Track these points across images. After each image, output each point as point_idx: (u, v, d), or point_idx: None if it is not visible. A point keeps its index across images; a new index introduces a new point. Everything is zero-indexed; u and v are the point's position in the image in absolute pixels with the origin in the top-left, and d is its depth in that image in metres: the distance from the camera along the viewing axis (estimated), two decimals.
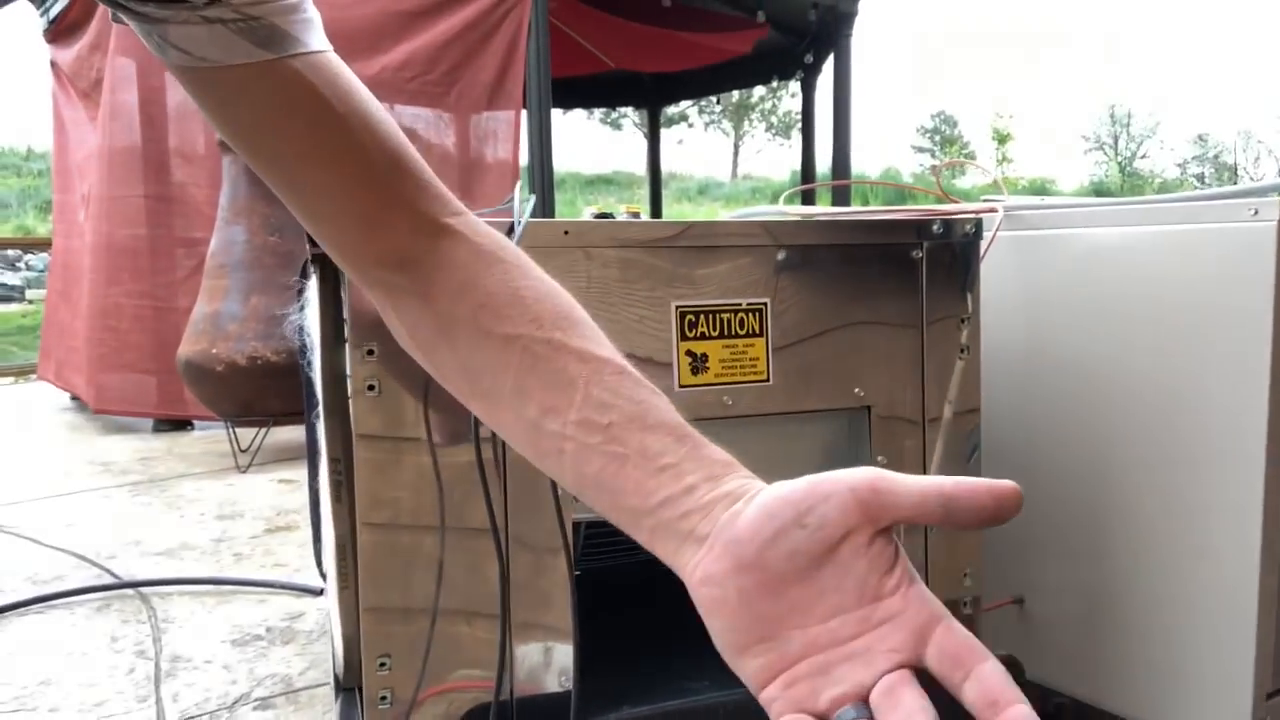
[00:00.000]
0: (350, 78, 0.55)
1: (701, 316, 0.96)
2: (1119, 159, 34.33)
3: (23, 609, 1.94)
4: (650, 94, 7.70)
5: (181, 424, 4.00)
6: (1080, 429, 1.28)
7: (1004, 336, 1.35)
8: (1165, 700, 1.22)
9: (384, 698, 0.86)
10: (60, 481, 3.13)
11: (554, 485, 0.88)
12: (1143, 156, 34.42)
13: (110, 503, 2.85)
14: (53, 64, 4.91)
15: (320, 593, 2.00)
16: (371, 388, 0.85)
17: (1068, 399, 1.30)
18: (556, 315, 0.53)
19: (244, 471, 3.23)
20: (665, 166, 8.27)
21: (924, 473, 1.03)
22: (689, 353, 0.95)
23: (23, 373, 6.07)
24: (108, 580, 2.12)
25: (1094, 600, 1.29)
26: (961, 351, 1.04)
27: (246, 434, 3.36)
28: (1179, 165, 34.55)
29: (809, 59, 6.06)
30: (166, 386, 3.88)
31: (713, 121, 29.76)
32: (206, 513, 2.71)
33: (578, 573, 0.92)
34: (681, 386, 0.95)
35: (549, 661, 0.92)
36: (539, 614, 0.91)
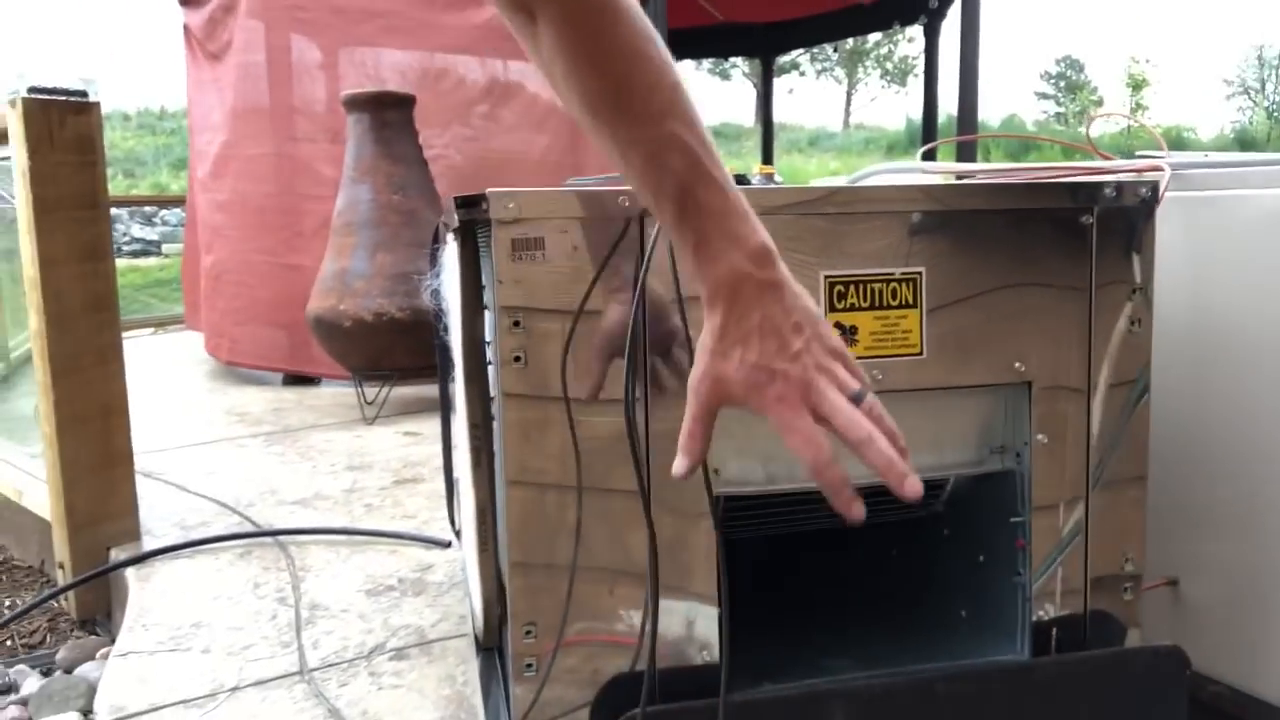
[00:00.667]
0: None
1: (852, 287, 0.92)
2: (1266, 104, 31.96)
3: (173, 553, 2.05)
4: (762, 43, 7.51)
5: (310, 379, 4.15)
6: (1246, 405, 1.19)
7: (1166, 305, 1.26)
8: None
9: (529, 665, 0.87)
10: (201, 430, 3.30)
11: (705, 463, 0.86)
12: None
13: (246, 452, 2.99)
14: (185, 27, 5.10)
15: (449, 545, 2.06)
16: (518, 359, 0.84)
17: (1232, 374, 1.21)
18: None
19: (370, 424, 3.33)
20: (775, 117, 8.09)
21: (1087, 455, 0.97)
22: (838, 324, 0.91)
23: (162, 324, 6.41)
24: (248, 528, 2.22)
25: (1253, 583, 1.21)
26: (1132, 324, 0.97)
27: (371, 389, 3.46)
28: None
29: (934, 2, 5.80)
30: (295, 341, 4.04)
31: (825, 69, 28.96)
32: (337, 463, 2.81)
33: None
34: None
35: (691, 634, 0.91)
36: (683, 583, 0.90)
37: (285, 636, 1.65)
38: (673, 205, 0.65)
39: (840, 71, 29.87)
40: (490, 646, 1.10)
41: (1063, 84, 37.16)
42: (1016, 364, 0.95)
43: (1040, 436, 0.96)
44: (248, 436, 3.19)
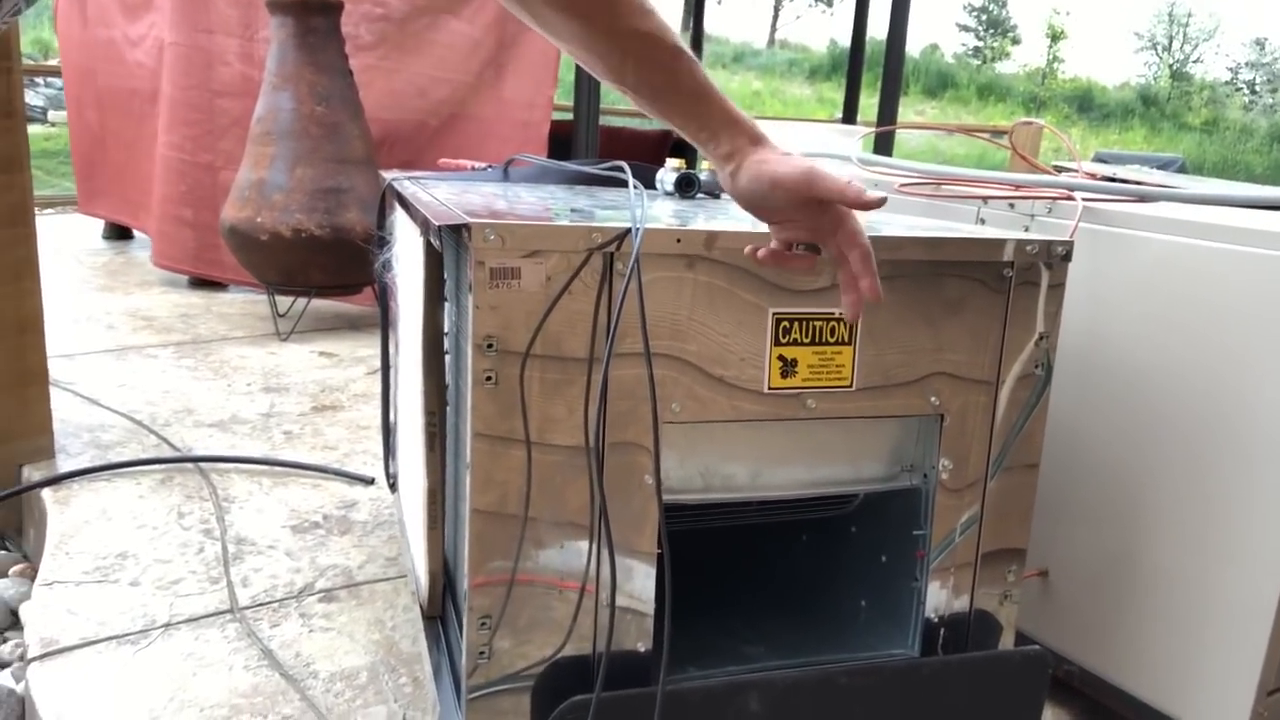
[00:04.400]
0: None
1: (795, 324, 1.00)
2: (1170, 62, 33.02)
3: (93, 475, 2.05)
4: None
5: (218, 283, 4.06)
6: (1128, 417, 1.34)
7: (1070, 316, 1.39)
8: (1171, 680, 1.32)
9: (482, 653, 0.96)
10: (105, 335, 3.22)
11: (658, 470, 0.95)
12: (1197, 60, 33.11)
13: (157, 364, 2.95)
14: None
15: (372, 482, 2.11)
16: (490, 378, 0.90)
17: (1120, 388, 1.36)
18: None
19: (285, 339, 3.31)
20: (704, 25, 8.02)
21: (985, 481, 1.10)
22: (780, 358, 1.00)
23: (51, 203, 6.08)
24: (167, 451, 2.22)
25: (1116, 577, 1.38)
26: (1037, 367, 1.09)
27: (284, 300, 3.43)
28: (1230, 70, 33.29)
29: None
30: (204, 243, 3.93)
31: None
32: (253, 383, 2.80)
33: (658, 551, 1.00)
34: (770, 389, 1.01)
35: (628, 623, 1.01)
36: (622, 581, 0.99)
37: (214, 572, 1.70)
38: (692, 80, 0.83)
39: None
40: (434, 615, 1.19)
41: (984, 18, 37.50)
42: (933, 398, 1.06)
43: (946, 462, 1.08)
44: (157, 346, 3.14)
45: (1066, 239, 1.08)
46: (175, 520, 1.89)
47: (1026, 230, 1.47)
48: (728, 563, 1.37)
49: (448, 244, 1.08)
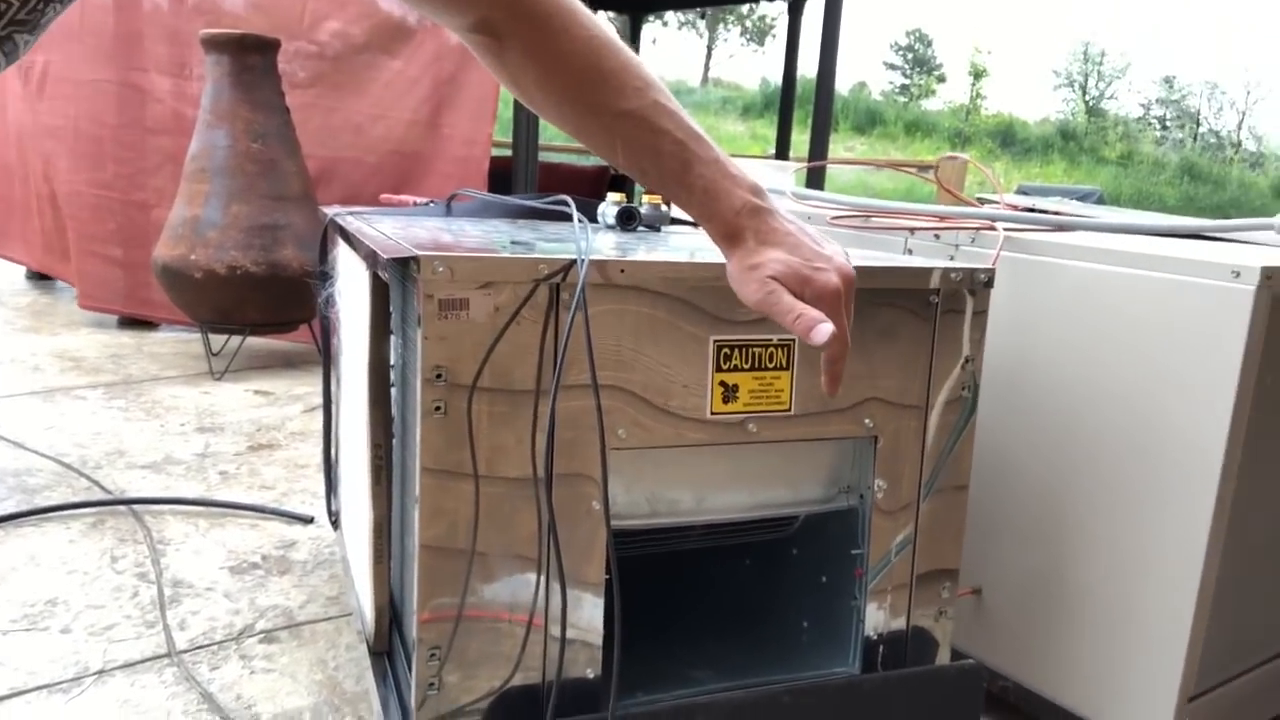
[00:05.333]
0: None
1: (736, 350, 1.03)
2: (1087, 98, 34.43)
3: (19, 520, 1.99)
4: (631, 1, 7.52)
5: (149, 322, 3.98)
6: (1051, 437, 1.40)
7: (995, 341, 1.45)
8: (1099, 691, 1.37)
9: (432, 684, 0.96)
10: (31, 377, 3.13)
11: (605, 497, 0.97)
12: (1110, 97, 34.56)
13: (86, 405, 2.88)
14: None
15: (310, 521, 2.09)
16: (439, 409, 0.92)
17: (1040, 408, 1.42)
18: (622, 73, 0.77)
19: (219, 379, 3.25)
20: None
21: (918, 501, 1.14)
22: (722, 383, 1.03)
23: None
24: (98, 494, 2.17)
25: (1045, 594, 1.44)
26: (964, 390, 1.14)
27: (217, 339, 3.37)
28: (1143, 106, 34.77)
29: None
30: (134, 282, 3.85)
31: (687, 22, 29.06)
32: (187, 423, 2.75)
33: (606, 577, 1.01)
34: (713, 414, 1.04)
35: (577, 651, 1.02)
36: (571, 607, 1.00)
37: (149, 616, 1.66)
38: (675, 162, 0.77)
39: (702, 25, 30.03)
40: (380, 651, 1.18)
41: (910, 57, 38.67)
42: (866, 420, 1.10)
43: (880, 482, 1.12)
44: (86, 387, 3.06)
45: (989, 266, 1.13)
46: (108, 564, 1.84)
47: (952, 259, 1.53)
48: (673, 588, 1.39)
49: (394, 277, 1.09)
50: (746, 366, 1.04)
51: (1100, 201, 7.18)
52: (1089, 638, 1.38)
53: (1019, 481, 1.46)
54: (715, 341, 1.03)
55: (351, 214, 1.47)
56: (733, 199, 0.78)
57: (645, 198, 1.54)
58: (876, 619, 1.15)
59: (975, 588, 1.53)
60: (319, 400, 2.88)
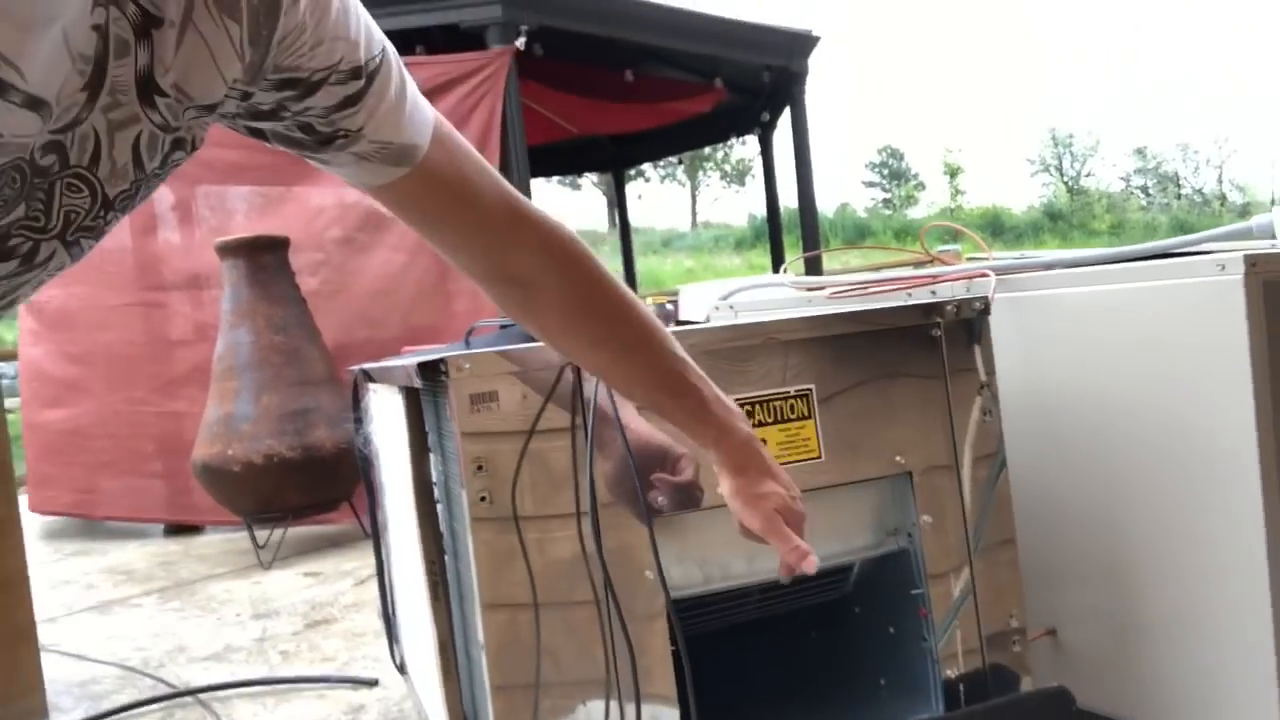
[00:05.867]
0: (460, 158, 0.75)
1: (757, 405, 1.08)
2: (1065, 180, 35.28)
3: None
4: (612, 158, 7.92)
5: (194, 528, 4.04)
6: (1089, 470, 1.41)
7: (1007, 388, 1.49)
8: (1194, 712, 1.33)
9: None
10: (87, 594, 3.17)
11: (659, 566, 0.99)
12: (1088, 175, 35.44)
13: (143, 611, 2.90)
14: None
15: (375, 684, 2.08)
16: (484, 498, 0.96)
17: (1074, 444, 1.43)
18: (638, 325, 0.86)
19: (268, 568, 3.28)
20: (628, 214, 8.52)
21: (965, 528, 1.16)
22: None
23: None
24: (163, 690, 2.17)
25: (1119, 625, 1.41)
26: (984, 414, 1.17)
27: (263, 532, 3.42)
28: (1123, 179, 35.57)
29: (765, 116, 6.30)
30: (175, 489, 3.94)
31: (668, 174, 30.29)
32: (242, 613, 2.77)
33: (672, 648, 1.02)
34: None
35: None
36: (643, 685, 1.01)
37: None
38: (691, 401, 0.88)
39: (683, 174, 31.27)
40: None
41: (886, 172, 39.95)
42: (897, 458, 1.13)
43: (925, 518, 1.14)
44: (140, 595, 3.09)
45: (982, 295, 1.19)
46: None
47: None
48: (744, 665, 1.38)
49: (426, 396, 1.15)
50: (770, 420, 1.08)
51: None
52: (1173, 661, 1.35)
53: (1070, 518, 1.46)
54: (737, 399, 1.07)
55: (376, 363, 1.55)
56: (737, 434, 0.89)
57: (650, 299, 1.62)
58: (951, 657, 1.14)
59: (1050, 629, 1.51)
60: (368, 573, 2.90)
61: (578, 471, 1.00)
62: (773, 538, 0.88)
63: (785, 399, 1.09)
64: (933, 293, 1.64)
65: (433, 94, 4.04)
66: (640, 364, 0.87)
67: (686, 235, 26.90)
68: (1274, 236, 1.66)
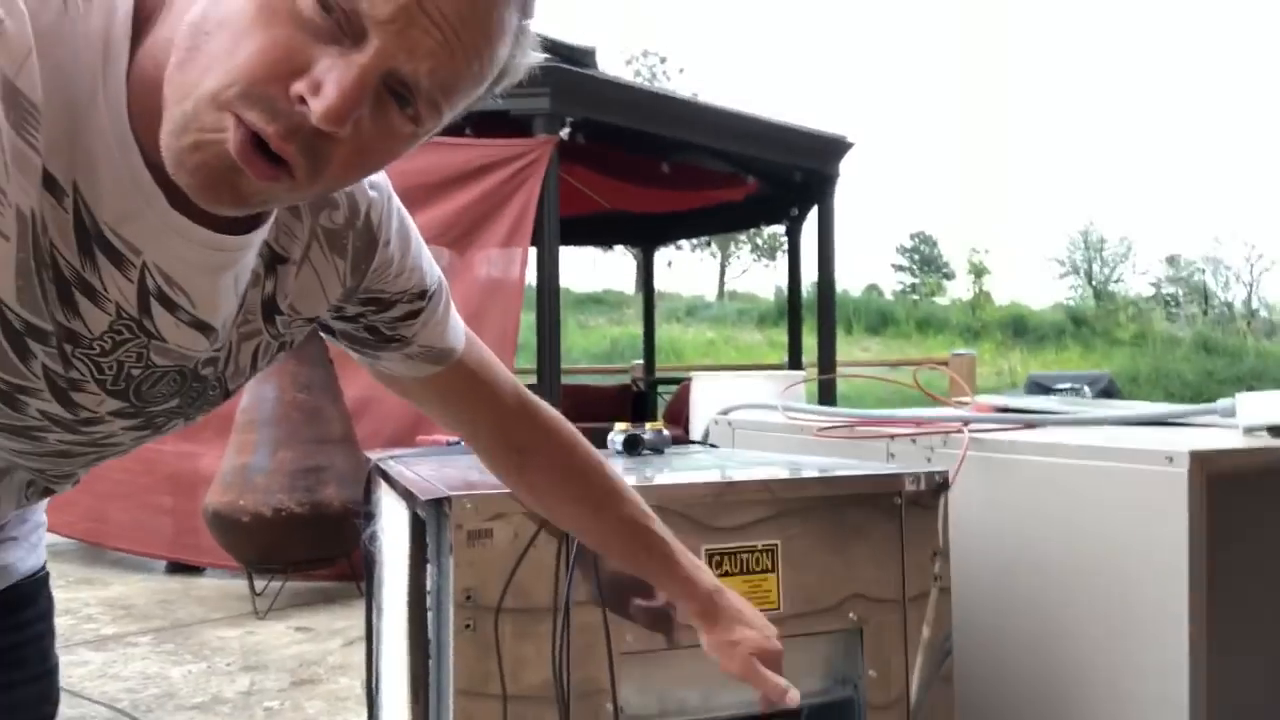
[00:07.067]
0: (482, 353, 0.92)
1: (725, 557, 1.19)
2: (1093, 284, 35.41)
3: None
4: (643, 234, 8.13)
5: (195, 567, 4.15)
6: (1037, 623, 1.51)
7: (972, 538, 1.58)
8: None
9: None
10: (85, 627, 3.27)
11: (614, 706, 1.09)
12: (1117, 280, 35.56)
13: (138, 650, 3.00)
14: None
15: None
16: (469, 626, 1.07)
17: (1027, 597, 1.53)
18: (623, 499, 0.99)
19: (262, 617, 3.38)
20: (655, 286, 8.69)
21: (906, 686, 1.25)
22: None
23: None
24: None
25: None
26: (935, 580, 1.27)
27: (260, 580, 3.52)
28: (1153, 285, 35.64)
29: (794, 211, 6.49)
30: (182, 528, 4.05)
31: (700, 244, 30.71)
32: (233, 663, 2.86)
33: None
34: None
35: None
36: None
37: None
38: (660, 556, 0.98)
39: (714, 246, 31.70)
40: None
41: (917, 257, 40.25)
42: (850, 614, 1.23)
43: (871, 672, 1.23)
44: (136, 633, 3.19)
45: (943, 469, 1.30)
46: None
47: (929, 460, 1.70)
48: None
49: (429, 513, 1.27)
50: (736, 571, 1.19)
51: (1110, 385, 7.42)
52: None
53: (1014, 664, 1.55)
54: (707, 550, 1.18)
55: (393, 458, 1.67)
56: (703, 584, 0.99)
57: (649, 426, 1.74)
58: None
59: None
60: (357, 633, 2.99)
61: (556, 611, 1.10)
62: (752, 681, 0.97)
63: (752, 552, 1.20)
64: (913, 441, 1.75)
65: (477, 173, 4.26)
66: (615, 518, 0.98)
67: (712, 305, 27.14)
68: (1234, 418, 1.76)
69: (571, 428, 0.98)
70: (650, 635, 1.15)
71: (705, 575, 1.00)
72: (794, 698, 0.95)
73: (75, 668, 2.80)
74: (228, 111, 0.53)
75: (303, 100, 0.53)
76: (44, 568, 0.99)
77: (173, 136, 0.55)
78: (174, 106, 0.55)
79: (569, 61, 4.52)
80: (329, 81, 0.53)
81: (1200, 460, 1.36)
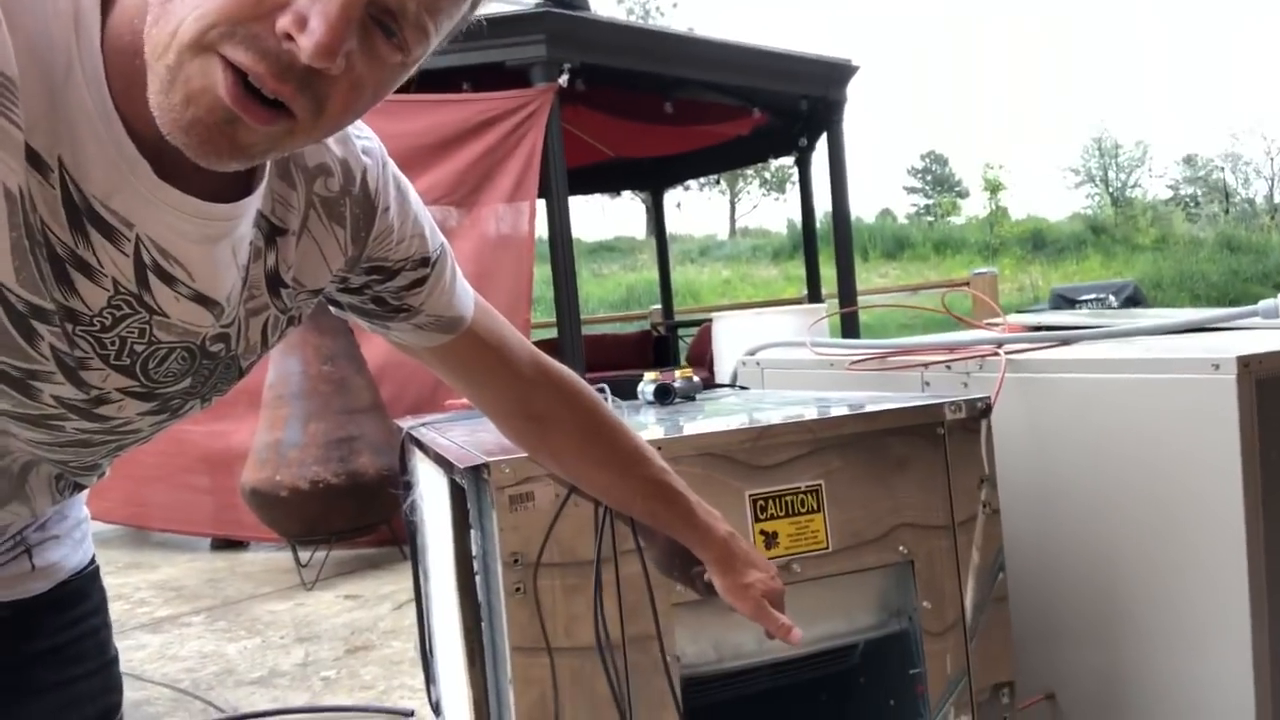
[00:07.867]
0: (495, 320, 0.91)
1: (770, 501, 1.18)
2: (1110, 191, 34.79)
3: None
4: (651, 177, 8.03)
5: (239, 543, 4.21)
6: (1088, 542, 1.49)
7: (1016, 460, 1.56)
8: None
9: None
10: (138, 611, 3.34)
11: (663, 656, 1.09)
12: (1134, 186, 34.90)
13: (192, 630, 3.05)
14: None
15: (411, 715, 2.20)
16: (519, 589, 1.07)
17: (1075, 516, 1.51)
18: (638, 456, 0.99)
19: (310, 589, 3.43)
20: (666, 229, 8.62)
21: (962, 613, 1.24)
22: (762, 532, 1.17)
23: None
24: (214, 715, 2.31)
25: (1114, 688, 1.49)
26: (983, 507, 1.26)
27: (305, 552, 3.57)
28: (1171, 187, 35.00)
29: (803, 141, 6.37)
30: (222, 504, 4.10)
31: (708, 183, 30.37)
32: (286, 635, 2.91)
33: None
34: None
35: None
36: None
37: None
38: (681, 509, 0.99)
39: (723, 184, 31.34)
40: None
41: (929, 178, 39.68)
42: (900, 548, 1.22)
43: (925, 603, 1.22)
44: (189, 613, 3.25)
45: (984, 396, 1.27)
46: None
47: (965, 386, 1.67)
48: None
49: (469, 480, 1.26)
50: (782, 514, 1.18)
51: (1135, 293, 7.29)
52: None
53: (1067, 586, 1.54)
54: (750, 495, 1.17)
55: (423, 425, 1.66)
56: (718, 532, 0.99)
57: (679, 373, 1.72)
58: None
59: (1048, 693, 1.58)
60: (405, 597, 3.03)
61: (599, 563, 1.10)
62: (762, 621, 0.98)
63: (796, 494, 1.19)
64: (948, 368, 1.72)
65: (478, 129, 4.20)
66: (637, 478, 0.98)
67: (725, 244, 26.95)
68: (1278, 319, 1.72)
69: (591, 391, 0.97)
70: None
71: (719, 522, 1.00)
72: (798, 636, 0.97)
73: (134, 651, 2.85)
74: (213, 54, 0.51)
75: (289, 37, 0.51)
76: (92, 562, 0.99)
77: (161, 95, 0.53)
78: (157, 63, 0.53)
79: (561, 5, 4.43)
80: (314, 15, 0.51)
81: (1247, 365, 1.32)
